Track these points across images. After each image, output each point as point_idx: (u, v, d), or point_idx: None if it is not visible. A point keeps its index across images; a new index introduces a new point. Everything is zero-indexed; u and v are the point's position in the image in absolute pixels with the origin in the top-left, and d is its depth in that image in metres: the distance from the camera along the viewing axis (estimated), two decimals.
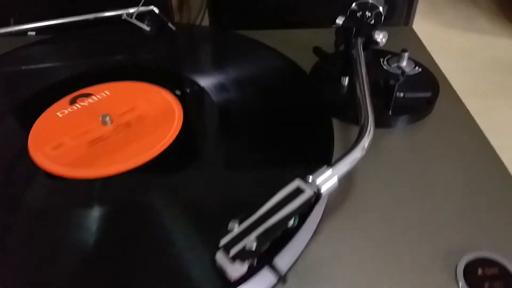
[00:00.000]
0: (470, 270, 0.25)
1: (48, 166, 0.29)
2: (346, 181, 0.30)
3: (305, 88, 0.37)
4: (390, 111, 0.35)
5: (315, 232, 0.27)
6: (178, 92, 0.35)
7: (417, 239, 0.27)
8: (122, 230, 0.25)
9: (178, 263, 0.23)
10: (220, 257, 0.20)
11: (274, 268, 0.21)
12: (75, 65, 0.40)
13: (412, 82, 0.38)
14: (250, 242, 0.20)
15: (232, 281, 0.20)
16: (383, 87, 0.35)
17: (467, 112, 0.38)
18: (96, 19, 0.43)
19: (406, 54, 0.40)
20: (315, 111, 0.34)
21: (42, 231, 0.25)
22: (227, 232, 0.21)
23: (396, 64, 0.40)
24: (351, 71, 0.35)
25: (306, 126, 0.33)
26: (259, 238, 0.21)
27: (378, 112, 0.34)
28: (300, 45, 0.46)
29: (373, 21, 0.38)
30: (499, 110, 0.57)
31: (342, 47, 0.38)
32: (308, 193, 0.23)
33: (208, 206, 0.27)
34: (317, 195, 0.23)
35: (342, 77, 0.39)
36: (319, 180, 0.24)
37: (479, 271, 0.25)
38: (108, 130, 0.32)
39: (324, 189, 0.24)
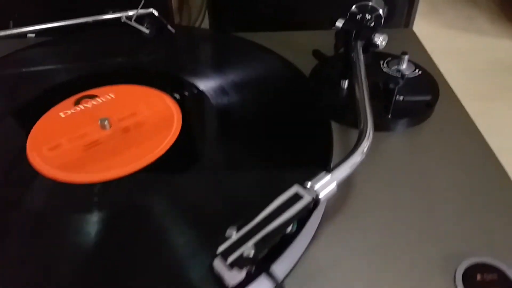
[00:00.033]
0: (469, 275, 0.25)
1: (40, 167, 0.29)
2: (345, 185, 0.30)
3: (304, 92, 0.37)
4: (389, 115, 0.35)
5: (314, 237, 0.27)
6: (177, 96, 0.35)
7: (416, 243, 0.27)
8: (113, 236, 0.25)
9: (176, 269, 0.23)
10: (218, 264, 0.20)
11: (271, 276, 0.21)
12: (83, 67, 0.40)
13: (412, 85, 0.38)
14: (248, 249, 0.20)
15: None
16: (382, 90, 0.35)
17: (467, 115, 0.38)
18: (95, 22, 0.43)
19: (406, 57, 0.40)
20: (314, 115, 0.34)
21: (26, 232, 0.25)
22: (225, 239, 0.21)
23: (396, 67, 0.40)
24: (351, 74, 0.35)
25: (305, 130, 0.33)
26: (256, 245, 0.20)
27: (378, 115, 0.34)
28: (300, 47, 0.46)
29: (373, 24, 0.38)
30: (499, 112, 0.57)
31: (341, 50, 0.38)
32: (306, 199, 0.23)
33: (207, 211, 0.27)
34: (315, 201, 0.23)
35: (342, 80, 0.39)
36: (317, 186, 0.24)
37: (478, 277, 0.25)
38: (106, 134, 0.32)
39: (322, 195, 0.24)
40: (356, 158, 0.26)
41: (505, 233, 0.27)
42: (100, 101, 0.35)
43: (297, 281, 0.25)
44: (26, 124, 0.33)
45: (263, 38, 0.44)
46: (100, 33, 0.45)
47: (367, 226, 0.28)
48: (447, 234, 0.27)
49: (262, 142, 0.32)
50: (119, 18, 0.42)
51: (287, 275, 0.25)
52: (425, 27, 0.72)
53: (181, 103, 0.34)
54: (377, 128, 0.29)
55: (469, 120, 0.37)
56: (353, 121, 0.32)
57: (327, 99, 0.37)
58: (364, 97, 0.31)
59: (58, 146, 0.31)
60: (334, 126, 0.36)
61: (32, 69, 0.41)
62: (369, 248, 0.27)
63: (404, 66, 0.40)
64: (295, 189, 0.23)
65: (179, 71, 0.38)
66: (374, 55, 0.41)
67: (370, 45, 0.36)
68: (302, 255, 0.26)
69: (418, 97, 0.36)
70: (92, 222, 0.26)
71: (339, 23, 0.38)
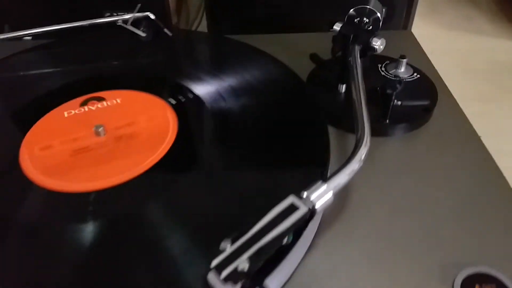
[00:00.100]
0: (467, 285, 0.25)
1: (25, 166, 0.29)
2: (342, 191, 0.30)
3: (301, 97, 0.36)
4: (387, 120, 0.35)
5: (311, 246, 0.26)
6: (172, 101, 0.35)
7: (414, 253, 0.27)
8: (81, 251, 0.25)
9: (170, 278, 0.23)
10: (211, 278, 0.20)
11: None
12: (91, 68, 0.40)
13: (410, 89, 0.37)
14: (242, 263, 0.20)
15: None
16: (380, 95, 0.35)
17: (465, 119, 0.37)
18: (91, 26, 0.42)
19: (405, 61, 0.39)
20: (311, 120, 0.34)
21: None
22: (219, 251, 0.21)
23: (394, 70, 0.40)
24: (348, 78, 0.34)
25: (302, 136, 0.33)
26: (251, 259, 0.20)
27: (375, 120, 0.34)
28: (298, 49, 0.45)
29: (371, 27, 0.37)
30: (499, 113, 0.57)
31: (339, 54, 0.38)
32: (302, 210, 0.23)
33: (200, 221, 0.26)
34: (311, 212, 0.23)
35: (339, 84, 0.39)
36: (313, 196, 0.23)
37: (477, 287, 0.24)
38: (98, 141, 0.31)
39: (319, 205, 0.23)
40: (353, 166, 0.26)
41: (504, 243, 0.27)
42: (106, 105, 0.35)
43: None
44: (30, 120, 0.33)
45: (260, 41, 0.43)
46: (104, 35, 0.45)
47: (364, 235, 0.28)
48: (445, 242, 0.27)
49: (258, 149, 0.32)
50: (115, 21, 0.42)
51: (283, 287, 0.24)
52: (424, 28, 0.72)
53: (177, 109, 0.34)
54: (374, 133, 0.29)
55: (468, 125, 0.37)
56: (350, 126, 0.32)
57: (324, 104, 0.37)
58: (361, 103, 0.31)
59: (49, 147, 0.31)
60: (331, 130, 0.35)
61: (46, 68, 0.41)
62: (367, 257, 0.26)
63: (402, 69, 0.40)
64: (290, 199, 0.23)
65: (176, 76, 0.38)
66: (372, 58, 0.41)
67: (368, 49, 0.36)
68: (298, 266, 0.25)
69: (416, 102, 0.36)
70: (62, 231, 0.25)
71: (337, 27, 0.37)
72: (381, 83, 0.36)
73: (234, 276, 0.20)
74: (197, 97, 0.35)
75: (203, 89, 0.36)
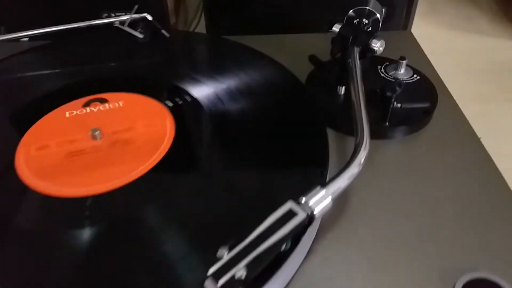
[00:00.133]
0: None
1: (18, 165, 0.29)
2: (340, 195, 0.30)
3: (300, 99, 0.36)
4: (387, 123, 0.34)
5: (309, 252, 0.26)
6: (169, 103, 0.34)
7: (414, 257, 0.26)
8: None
9: (162, 286, 0.23)
10: (208, 286, 0.20)
11: None
12: (95, 69, 0.40)
13: (410, 91, 0.37)
14: (240, 270, 0.20)
15: None
16: (379, 98, 0.35)
17: (465, 121, 0.37)
18: (88, 27, 0.42)
19: (404, 62, 0.39)
20: (310, 123, 0.33)
21: None
22: (216, 259, 0.21)
23: (393, 72, 0.40)
24: (347, 80, 0.34)
25: (301, 138, 0.32)
26: (249, 267, 0.20)
27: (375, 123, 0.33)
28: (298, 50, 0.45)
29: (370, 28, 0.37)
30: (499, 113, 0.56)
31: (338, 55, 0.38)
32: (301, 216, 0.22)
33: (196, 227, 0.26)
34: (310, 218, 0.23)
35: (339, 86, 0.38)
36: (312, 202, 0.23)
37: None
38: (93, 145, 0.31)
39: (317, 211, 0.23)
40: (353, 170, 0.26)
41: (504, 247, 0.27)
42: (108, 107, 0.35)
43: None
44: (30, 120, 0.33)
45: (259, 42, 0.43)
46: (103, 36, 0.45)
47: (364, 239, 0.27)
48: (445, 247, 0.27)
49: (255, 153, 0.31)
50: (112, 23, 0.42)
51: None
52: (424, 27, 0.71)
53: (175, 112, 0.34)
54: (374, 136, 0.28)
55: (468, 127, 0.36)
56: (349, 128, 0.32)
57: (323, 106, 0.37)
58: (360, 105, 0.30)
59: (46, 147, 0.31)
60: (330, 133, 0.35)
61: (47, 69, 0.41)
62: (366, 262, 0.26)
63: (402, 71, 0.39)
64: (289, 205, 0.23)
65: (174, 77, 0.38)
66: (372, 59, 0.40)
67: (367, 51, 0.36)
68: (296, 272, 0.25)
69: (416, 104, 0.36)
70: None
71: (336, 28, 0.37)
72: (380, 85, 0.36)
73: (231, 284, 0.19)
74: (195, 100, 0.35)
75: (201, 91, 0.36)
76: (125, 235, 0.25)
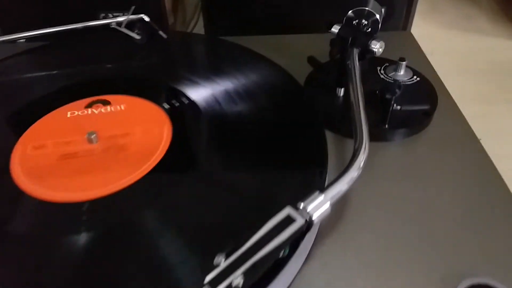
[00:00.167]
0: None
1: (13, 163, 0.29)
2: (339, 199, 0.29)
3: (298, 101, 0.36)
4: (386, 125, 0.34)
5: (308, 258, 0.26)
6: (167, 106, 0.34)
7: (414, 262, 0.26)
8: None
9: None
10: None
11: None
12: (98, 70, 0.40)
13: (409, 93, 0.37)
14: (237, 278, 0.19)
15: None
16: (379, 99, 0.34)
17: (465, 123, 0.37)
18: (85, 28, 0.42)
19: (404, 63, 0.39)
20: (308, 125, 0.33)
21: None
22: (213, 266, 0.20)
23: (393, 73, 0.39)
24: (347, 82, 0.34)
25: (299, 141, 0.32)
26: (246, 274, 0.20)
27: (374, 125, 0.33)
28: (297, 51, 0.45)
29: (369, 29, 0.37)
30: (500, 114, 0.56)
31: (337, 56, 0.37)
32: (299, 222, 0.22)
33: (191, 233, 0.26)
34: (308, 224, 0.22)
35: (338, 88, 0.38)
36: (310, 207, 0.23)
37: None
38: (88, 148, 0.31)
39: (316, 216, 0.23)
40: (352, 174, 0.25)
41: (505, 252, 0.27)
42: (109, 110, 0.34)
43: None
44: (34, 117, 0.33)
45: (258, 42, 0.43)
46: (102, 37, 0.44)
47: (363, 244, 0.27)
48: (446, 252, 0.27)
49: (253, 156, 0.31)
50: (109, 24, 0.41)
51: None
52: (424, 27, 0.71)
53: (172, 114, 0.33)
54: (373, 138, 0.28)
55: (468, 129, 0.36)
56: (349, 131, 0.31)
57: (322, 108, 0.36)
58: (360, 108, 0.30)
59: (42, 147, 0.31)
60: (329, 135, 0.35)
61: (50, 70, 0.41)
62: (366, 268, 0.26)
63: (401, 72, 0.39)
64: (287, 211, 0.22)
65: (171, 79, 0.37)
66: (371, 60, 0.40)
67: (366, 52, 0.35)
68: (294, 278, 0.25)
69: (416, 106, 0.35)
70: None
71: (335, 29, 0.36)
72: (380, 86, 0.36)
73: None
74: (193, 103, 0.35)
75: (199, 93, 0.36)
76: (116, 243, 0.25)
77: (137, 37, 0.41)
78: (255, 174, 0.29)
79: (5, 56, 0.42)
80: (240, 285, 0.19)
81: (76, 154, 0.30)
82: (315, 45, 0.43)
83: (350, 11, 0.37)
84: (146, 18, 0.42)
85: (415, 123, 0.35)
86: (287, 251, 0.23)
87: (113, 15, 0.53)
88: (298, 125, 0.33)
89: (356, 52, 0.35)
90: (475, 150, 0.34)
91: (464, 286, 0.24)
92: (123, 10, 0.46)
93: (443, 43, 0.69)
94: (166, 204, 0.27)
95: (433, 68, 0.43)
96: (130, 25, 0.42)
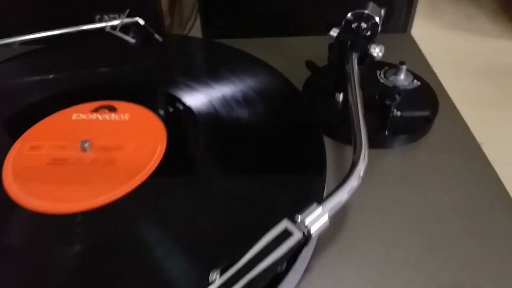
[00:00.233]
0: None
1: (6, 162, 0.29)
2: (338, 211, 0.29)
3: (296, 107, 0.35)
4: (386, 131, 0.33)
5: (306, 271, 0.25)
6: (161, 112, 0.33)
7: (413, 274, 0.26)
8: None
9: None
10: None
11: None
12: (103, 74, 0.40)
13: (409, 98, 0.36)
14: None
15: None
16: (379, 105, 0.34)
17: (467, 128, 0.36)
18: (79, 32, 0.41)
19: (404, 67, 0.38)
20: (306, 132, 0.32)
21: None
22: (208, 283, 0.20)
23: (393, 77, 0.39)
24: (345, 87, 0.33)
25: (298, 149, 0.31)
26: None
27: (374, 132, 0.32)
28: (296, 54, 0.44)
29: (369, 33, 0.36)
30: (502, 117, 0.55)
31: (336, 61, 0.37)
32: (296, 236, 0.21)
33: (184, 248, 0.25)
34: (306, 237, 0.22)
35: (336, 93, 0.37)
36: (308, 220, 0.22)
37: None
38: (78, 156, 0.30)
39: (314, 230, 0.22)
40: (351, 184, 0.25)
41: (506, 262, 0.26)
42: (113, 118, 0.33)
43: None
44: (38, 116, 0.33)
45: (256, 45, 0.42)
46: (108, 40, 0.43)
47: (363, 256, 0.26)
48: (446, 262, 0.26)
49: (249, 163, 0.30)
50: (103, 28, 0.40)
51: None
52: (424, 27, 0.70)
53: (167, 121, 0.32)
54: (373, 145, 0.27)
55: (469, 134, 0.35)
56: (347, 137, 0.31)
57: (320, 114, 0.36)
58: (359, 115, 0.29)
59: (39, 148, 0.31)
60: (328, 141, 0.34)
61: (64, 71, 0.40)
62: (366, 280, 0.25)
63: (401, 76, 0.38)
64: (284, 224, 0.22)
65: (166, 85, 0.36)
66: (371, 64, 0.39)
67: (366, 56, 0.35)
68: None
69: (416, 112, 0.35)
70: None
71: (334, 33, 0.36)
72: (379, 90, 0.35)
73: None
74: (188, 109, 0.34)
75: (195, 99, 0.35)
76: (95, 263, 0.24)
77: (132, 40, 0.40)
78: (251, 184, 0.28)
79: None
80: None
81: (66, 161, 0.29)
82: (314, 48, 0.42)
83: (349, 14, 0.36)
84: (141, 22, 0.41)
85: (415, 129, 0.34)
86: (284, 265, 0.22)
87: (109, 16, 0.52)
88: (295, 132, 0.33)
89: (355, 56, 0.34)
90: (477, 156, 0.33)
91: None
92: (120, 12, 0.45)
93: (444, 43, 0.68)
94: (147, 225, 0.26)
95: (433, 71, 0.43)
96: (125, 28, 0.41)
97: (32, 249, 0.24)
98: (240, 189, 0.28)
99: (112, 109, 0.34)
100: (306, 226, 0.22)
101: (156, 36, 0.42)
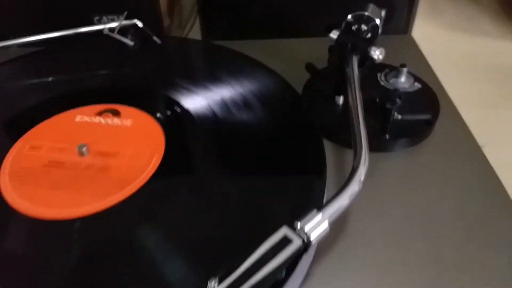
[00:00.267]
0: None
1: (6, 160, 0.29)
2: (338, 217, 0.28)
3: (296, 110, 0.35)
4: (386, 135, 0.33)
5: (306, 277, 0.25)
6: (159, 115, 0.33)
7: (416, 281, 0.25)
8: None
9: None
10: None
11: None
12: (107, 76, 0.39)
13: (410, 100, 0.36)
14: None
15: None
16: (379, 108, 0.33)
17: (468, 131, 0.36)
18: (77, 34, 0.41)
19: (405, 70, 0.38)
20: (306, 135, 0.32)
21: None
22: None
23: (394, 80, 0.38)
24: (345, 90, 0.33)
25: (297, 152, 0.31)
26: None
27: (374, 135, 0.32)
28: (296, 56, 0.44)
29: (369, 35, 0.36)
30: (503, 119, 0.55)
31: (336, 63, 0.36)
32: (296, 243, 0.21)
33: (180, 257, 0.25)
34: (306, 244, 0.21)
35: (337, 96, 0.37)
36: (307, 227, 0.22)
37: None
38: (74, 161, 0.29)
39: (313, 237, 0.22)
40: (352, 189, 0.24)
41: (507, 268, 0.26)
42: (116, 122, 0.33)
43: None
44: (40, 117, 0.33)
45: (256, 47, 0.42)
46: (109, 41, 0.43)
47: (363, 262, 0.26)
48: (447, 270, 0.26)
49: (248, 168, 0.30)
50: (101, 30, 0.40)
51: None
52: (425, 27, 0.70)
53: (165, 126, 0.32)
54: (373, 148, 0.27)
55: (471, 137, 0.35)
56: (348, 141, 0.30)
57: (320, 117, 0.35)
58: (359, 119, 0.29)
59: (39, 148, 0.30)
60: (328, 145, 0.34)
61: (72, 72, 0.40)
62: (365, 287, 0.25)
63: (402, 79, 0.38)
64: (283, 231, 0.22)
65: (164, 88, 0.36)
66: (371, 66, 0.39)
67: (366, 59, 0.34)
68: None
69: (417, 115, 0.34)
70: None
71: (334, 35, 0.35)
72: (380, 93, 0.35)
73: None
74: (186, 111, 0.34)
75: (193, 102, 0.34)
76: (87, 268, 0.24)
77: (131, 43, 0.40)
78: (250, 190, 0.28)
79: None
80: None
81: (62, 165, 0.29)
82: (314, 50, 0.42)
83: (349, 16, 0.36)
84: (139, 24, 0.41)
85: (416, 132, 0.34)
86: (283, 273, 0.22)
87: (107, 17, 0.52)
88: (295, 135, 0.32)
89: (355, 59, 0.34)
90: (478, 160, 0.33)
91: None
92: (119, 13, 0.45)
93: (444, 44, 0.68)
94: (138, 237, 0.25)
95: (434, 73, 0.42)
96: (123, 30, 0.41)
97: (16, 252, 0.24)
98: (239, 195, 0.28)
99: (116, 113, 0.34)
100: (305, 233, 0.22)
101: (155, 38, 0.41)
